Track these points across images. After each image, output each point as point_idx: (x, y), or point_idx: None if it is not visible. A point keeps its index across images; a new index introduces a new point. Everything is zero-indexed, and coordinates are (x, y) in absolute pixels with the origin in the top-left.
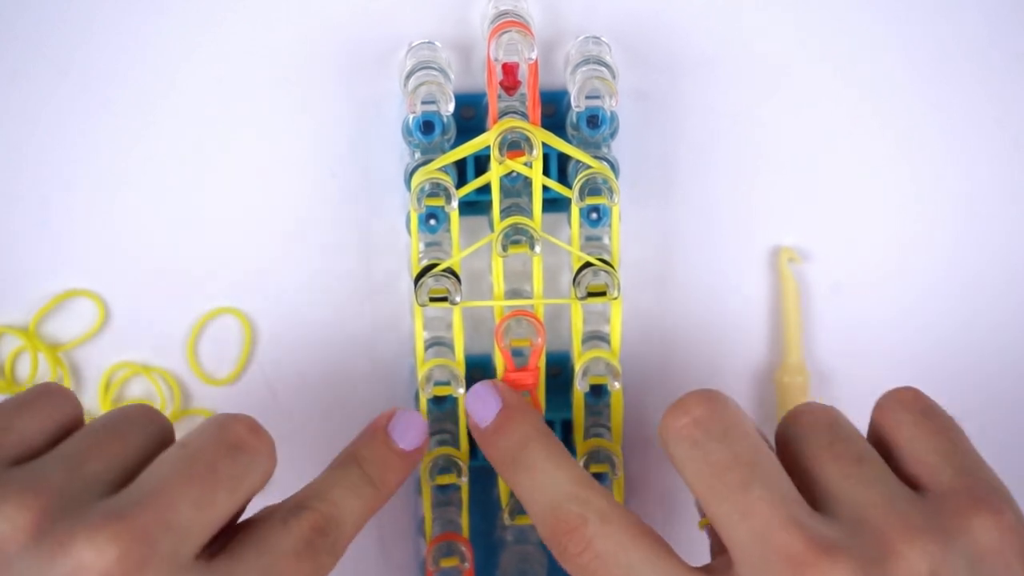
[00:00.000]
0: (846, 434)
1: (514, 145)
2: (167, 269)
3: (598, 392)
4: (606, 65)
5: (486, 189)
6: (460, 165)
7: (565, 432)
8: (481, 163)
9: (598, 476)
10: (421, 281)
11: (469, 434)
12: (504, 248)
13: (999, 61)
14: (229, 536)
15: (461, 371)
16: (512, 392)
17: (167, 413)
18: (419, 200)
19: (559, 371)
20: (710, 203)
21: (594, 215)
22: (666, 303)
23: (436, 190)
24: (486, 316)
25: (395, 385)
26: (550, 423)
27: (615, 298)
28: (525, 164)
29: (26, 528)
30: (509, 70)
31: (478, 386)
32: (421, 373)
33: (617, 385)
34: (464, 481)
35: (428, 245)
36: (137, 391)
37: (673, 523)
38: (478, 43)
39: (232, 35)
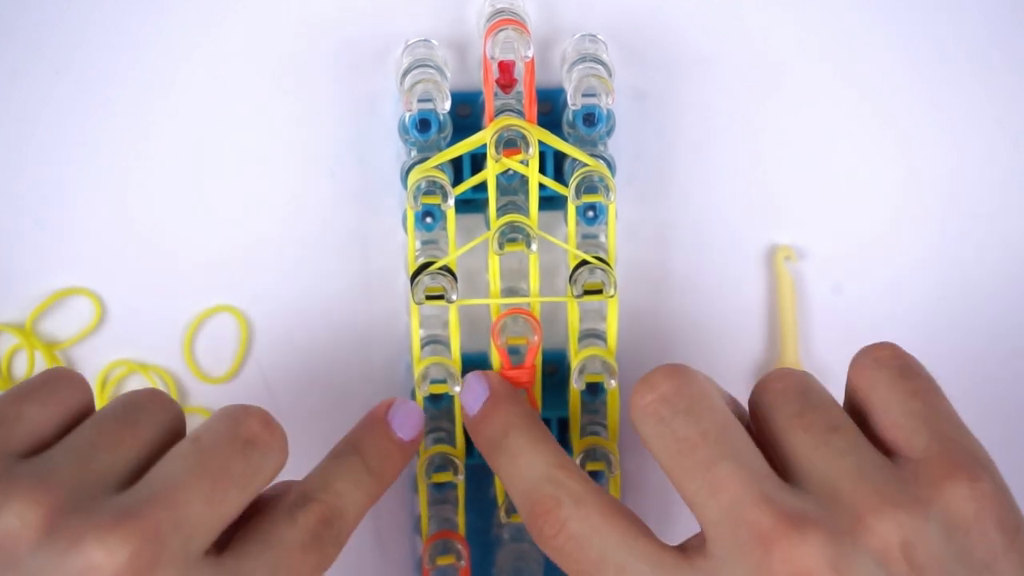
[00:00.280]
0: (817, 401)
1: (510, 143)
2: (164, 267)
3: (594, 390)
4: (602, 63)
5: (482, 187)
6: (456, 163)
7: (561, 430)
8: (477, 161)
9: (594, 474)
10: (417, 279)
11: (465, 432)
12: (500, 246)
13: (999, 61)
14: (236, 529)
15: (457, 369)
16: (501, 381)
17: None
18: (415, 198)
19: (556, 369)
20: (707, 201)
21: (590, 213)
22: (662, 301)
23: (432, 188)
24: (482, 314)
25: (392, 383)
26: (546, 421)
27: (611, 296)
28: (521, 162)
29: (37, 525)
30: (505, 68)
31: (469, 376)
32: (417, 371)
33: (613, 383)
34: (460, 479)
35: (424, 243)
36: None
37: (670, 520)
38: (474, 41)
39: (230, 35)
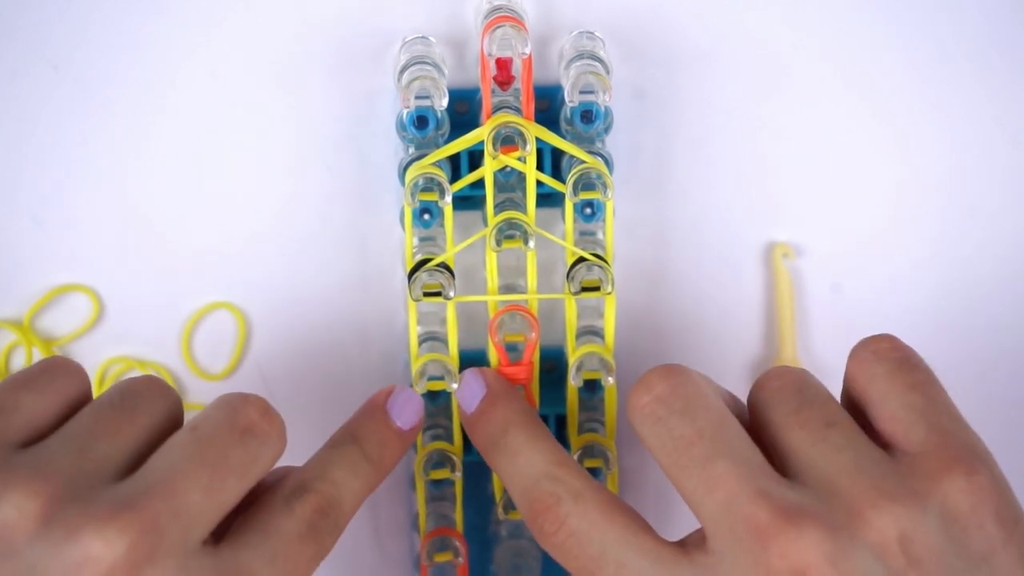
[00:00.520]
0: (814, 398)
1: (508, 140)
2: (162, 263)
3: (592, 387)
4: (600, 60)
5: (480, 184)
6: (454, 160)
7: (559, 427)
8: (475, 158)
9: (592, 471)
10: (415, 276)
11: (463, 428)
12: (498, 243)
13: (999, 61)
14: (234, 517)
15: (455, 366)
16: (498, 378)
17: None
18: (413, 195)
19: (554, 366)
20: (706, 198)
21: (588, 210)
22: (661, 298)
23: (430, 185)
24: (480, 311)
25: (390, 380)
26: (544, 418)
27: (609, 293)
28: (518, 159)
29: (35, 516)
30: (503, 65)
31: (466, 373)
32: (414, 368)
33: (611, 380)
34: (458, 476)
35: (422, 240)
36: None
37: (669, 517)
38: (472, 38)
39: (229, 34)
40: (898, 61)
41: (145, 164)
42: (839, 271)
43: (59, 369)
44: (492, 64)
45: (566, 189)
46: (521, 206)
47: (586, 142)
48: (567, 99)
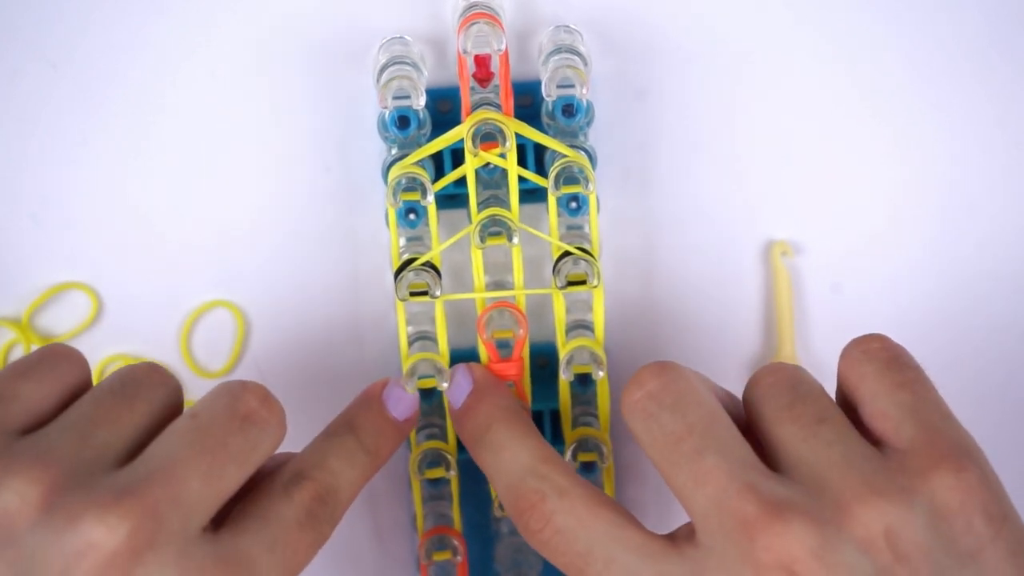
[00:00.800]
0: (807, 394)
1: (488, 137)
2: (160, 262)
3: (585, 381)
4: (578, 54)
5: (465, 182)
6: (437, 159)
7: (554, 422)
8: (458, 156)
9: (587, 465)
10: (401, 276)
11: None
12: (482, 240)
13: (999, 61)
14: (233, 503)
15: (445, 364)
16: (486, 374)
17: None
18: (395, 195)
19: (546, 362)
20: (704, 196)
21: (573, 204)
22: (659, 295)
23: (412, 184)
24: (471, 309)
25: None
26: (538, 413)
27: (595, 286)
28: (499, 155)
29: (35, 503)
30: (481, 62)
31: (455, 368)
32: (405, 367)
33: (601, 373)
34: (453, 474)
35: (409, 240)
36: None
37: (668, 509)
38: (452, 37)
39: (228, 33)
40: (898, 61)
41: (144, 163)
42: (838, 270)
43: (59, 357)
44: (469, 61)
45: (548, 183)
46: (506, 202)
47: (568, 136)
48: (544, 93)
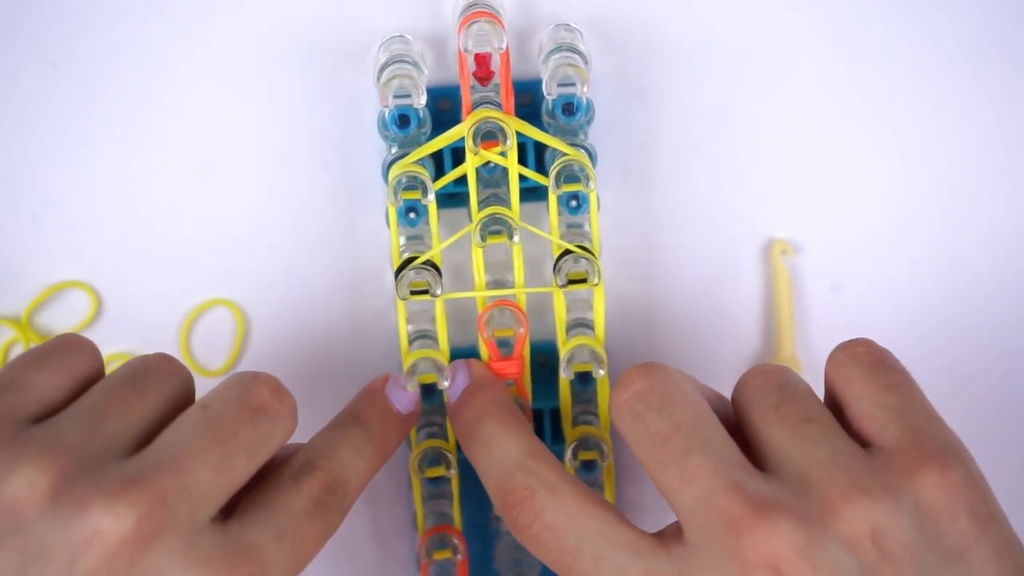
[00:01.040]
0: (794, 394)
1: (489, 135)
2: (160, 261)
3: (585, 379)
4: (578, 52)
5: (465, 180)
6: (437, 157)
7: (554, 421)
8: (458, 155)
9: (587, 463)
10: (401, 274)
11: None
12: (483, 238)
13: (999, 61)
14: (242, 494)
15: (446, 363)
16: (483, 369)
17: None
18: (395, 194)
19: (547, 360)
20: (703, 194)
21: (573, 202)
22: (658, 293)
23: (413, 183)
24: (471, 307)
25: None
26: (539, 412)
27: (595, 285)
28: (500, 154)
29: (45, 491)
30: (481, 60)
31: (454, 363)
32: (405, 366)
33: (602, 372)
34: (453, 473)
35: (409, 239)
36: None
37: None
38: (452, 35)
39: (223, 35)
40: (898, 61)
41: (144, 162)
42: (838, 269)
43: (71, 346)
44: (470, 60)
45: (549, 182)
46: (506, 201)
47: (569, 134)
48: (545, 92)
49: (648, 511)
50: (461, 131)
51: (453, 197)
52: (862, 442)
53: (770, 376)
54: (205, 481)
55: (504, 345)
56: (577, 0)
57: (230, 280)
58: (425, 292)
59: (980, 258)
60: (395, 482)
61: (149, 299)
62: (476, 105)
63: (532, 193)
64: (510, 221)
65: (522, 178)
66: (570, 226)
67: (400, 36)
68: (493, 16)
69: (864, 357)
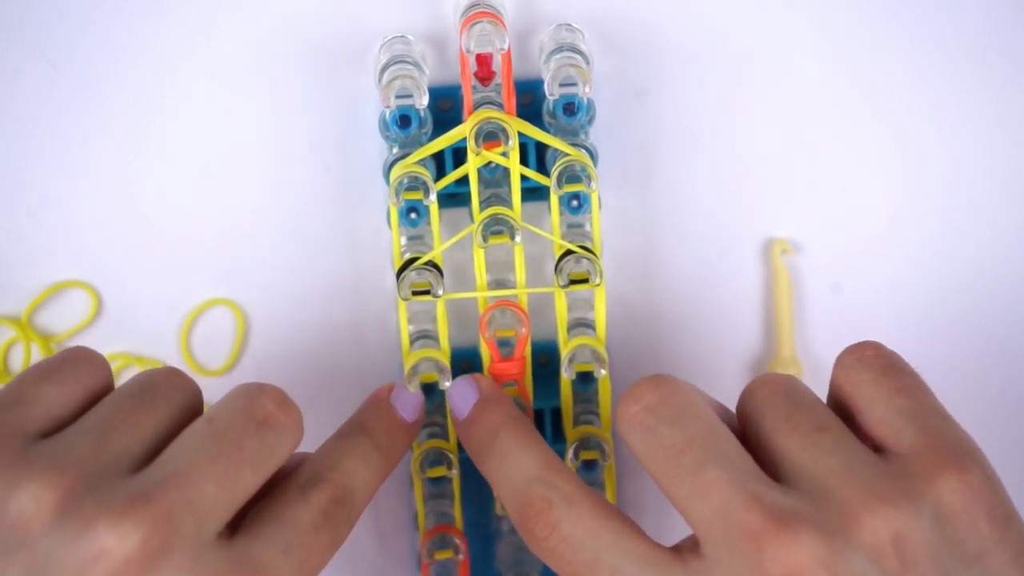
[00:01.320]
0: (804, 403)
1: (490, 136)
2: (160, 260)
3: (586, 379)
4: (580, 52)
5: (467, 181)
6: (438, 158)
7: (555, 421)
8: (459, 155)
9: (588, 463)
10: (403, 275)
11: None
12: (484, 239)
13: (999, 61)
14: (249, 506)
15: (447, 363)
16: (491, 384)
17: None
18: (397, 194)
19: (548, 360)
20: (703, 194)
21: (575, 203)
22: (658, 292)
23: (414, 184)
24: (473, 308)
25: (386, 377)
26: (540, 412)
27: (597, 285)
28: (502, 154)
29: (51, 507)
30: (483, 61)
31: (458, 379)
32: (407, 366)
33: (603, 372)
34: (455, 473)
35: (411, 239)
36: None
37: (665, 509)
38: (453, 35)
39: (224, 35)
40: (898, 61)
41: (144, 162)
42: (839, 269)
43: (81, 360)
44: (472, 60)
45: (550, 182)
46: (507, 201)
47: (570, 134)
48: (547, 92)
49: (648, 511)
50: (463, 131)
51: (454, 197)
52: (875, 447)
53: (776, 385)
54: (210, 496)
55: (505, 345)
56: (578, 0)
57: (230, 280)
58: (427, 292)
59: (980, 258)
60: (396, 482)
61: (149, 299)
62: (477, 105)
63: (533, 193)
64: (512, 221)
65: (523, 178)
66: (571, 226)
67: (401, 36)
68: (495, 16)
69: (873, 360)
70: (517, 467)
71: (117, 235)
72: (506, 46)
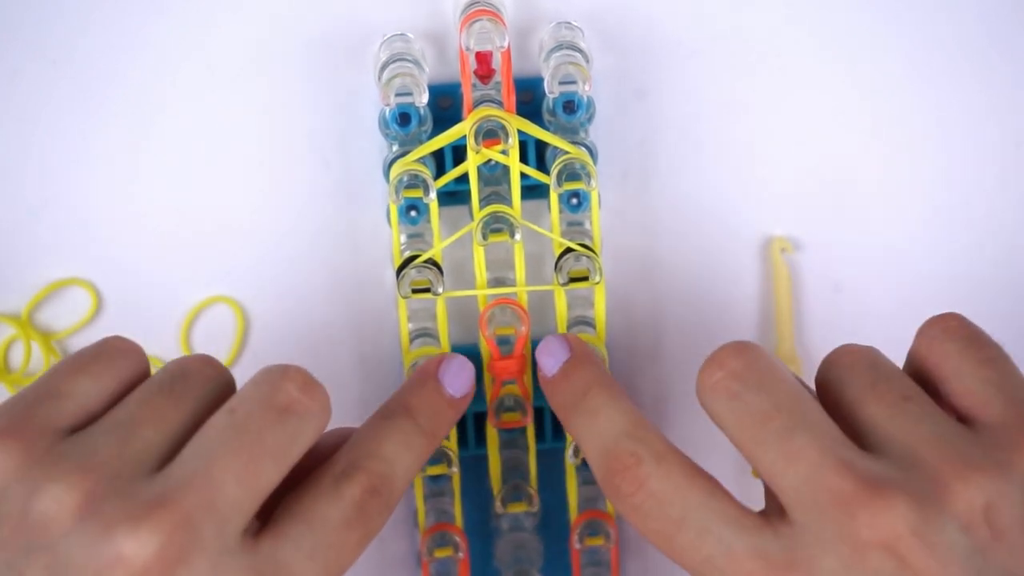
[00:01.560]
0: (888, 372)
1: (490, 133)
2: (160, 258)
3: None
4: (579, 50)
5: (466, 179)
6: (438, 156)
7: (555, 419)
8: (459, 153)
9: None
10: (403, 273)
11: (458, 425)
12: (484, 237)
13: (999, 61)
14: (279, 495)
15: None
16: (581, 342)
17: None
18: (397, 192)
19: None
20: (702, 192)
21: (574, 200)
22: (657, 289)
23: (414, 181)
24: (473, 305)
25: (386, 375)
26: (540, 410)
27: (597, 283)
28: (501, 152)
29: (72, 510)
30: (483, 59)
31: (548, 337)
32: (406, 364)
33: None
34: (455, 471)
35: (410, 237)
36: None
37: None
38: (453, 33)
39: (223, 32)
40: (898, 61)
41: (144, 159)
42: (838, 267)
43: (117, 351)
44: (471, 58)
45: (550, 180)
46: (507, 199)
47: (569, 132)
48: (547, 90)
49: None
50: (462, 129)
51: (454, 195)
52: (960, 417)
53: (859, 355)
54: (231, 495)
55: (505, 343)
56: None
57: (231, 277)
58: (426, 290)
59: (980, 256)
60: None
61: (149, 296)
62: (477, 103)
63: (533, 191)
64: (511, 219)
65: (523, 176)
66: (571, 224)
67: (401, 34)
68: (494, 14)
69: (959, 332)
70: (608, 423)
71: (117, 233)
72: (506, 44)
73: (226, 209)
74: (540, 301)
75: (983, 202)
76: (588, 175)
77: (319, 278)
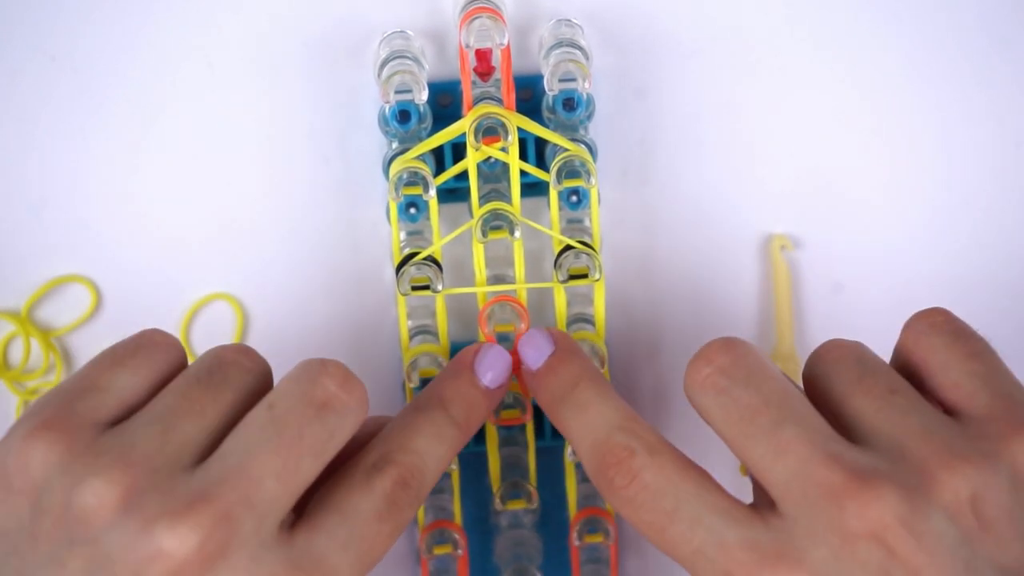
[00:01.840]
0: (875, 366)
1: (490, 131)
2: (160, 255)
3: None
4: (579, 48)
5: (466, 176)
6: (438, 153)
7: None
8: (459, 150)
9: None
10: (402, 270)
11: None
12: (483, 234)
13: (999, 61)
14: (311, 489)
15: (446, 358)
16: (564, 336)
17: None
18: (397, 189)
19: None
20: (702, 190)
21: (574, 198)
22: (656, 286)
23: (414, 179)
24: (472, 303)
25: (386, 372)
26: (539, 408)
27: (596, 280)
28: (501, 149)
29: (113, 504)
30: (482, 56)
31: (531, 330)
32: (406, 361)
33: (602, 368)
34: (454, 468)
35: (410, 234)
36: None
37: None
38: (453, 30)
39: (223, 30)
40: (898, 61)
41: (144, 156)
42: (838, 265)
43: (155, 345)
44: (471, 55)
45: (550, 177)
46: (507, 196)
47: (569, 130)
48: (547, 88)
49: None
50: (462, 127)
51: (454, 192)
52: (946, 411)
53: (847, 350)
54: (270, 492)
55: (505, 340)
56: None
57: (230, 274)
58: (426, 288)
59: (980, 256)
60: None
61: (149, 293)
62: (477, 101)
63: (532, 188)
64: (511, 216)
65: (523, 173)
66: (570, 221)
67: (401, 32)
68: (494, 12)
69: (945, 326)
70: (598, 416)
71: (117, 230)
72: (505, 41)
73: (226, 206)
74: (539, 298)
75: (983, 202)
76: (588, 172)
77: (319, 275)
